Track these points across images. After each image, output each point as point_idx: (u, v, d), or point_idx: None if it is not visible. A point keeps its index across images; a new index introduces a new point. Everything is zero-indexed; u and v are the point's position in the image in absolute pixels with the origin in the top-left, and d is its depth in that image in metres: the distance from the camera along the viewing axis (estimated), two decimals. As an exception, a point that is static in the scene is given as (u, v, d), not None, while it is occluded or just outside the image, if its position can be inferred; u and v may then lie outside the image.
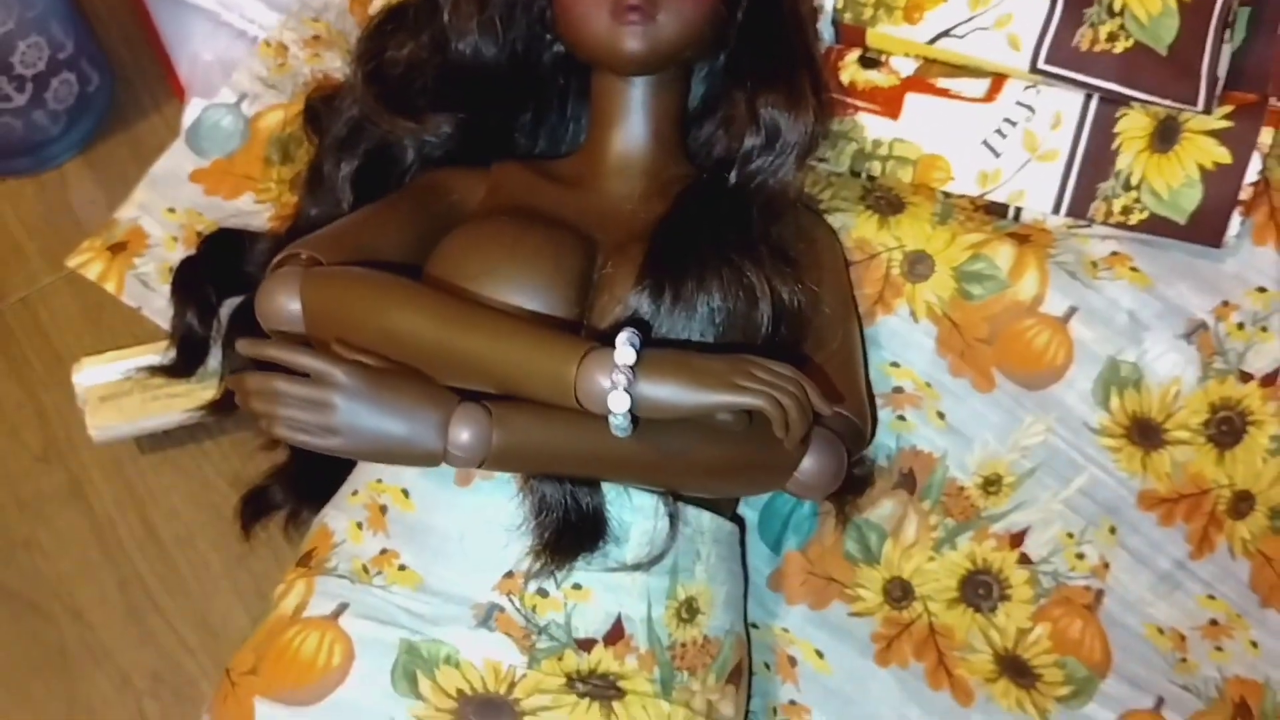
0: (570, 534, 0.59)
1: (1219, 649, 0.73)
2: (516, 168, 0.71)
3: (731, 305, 0.61)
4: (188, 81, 0.92)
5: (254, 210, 0.84)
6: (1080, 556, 0.72)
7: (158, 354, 0.77)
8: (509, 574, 0.60)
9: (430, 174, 0.71)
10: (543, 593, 0.60)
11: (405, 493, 0.62)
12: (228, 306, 0.76)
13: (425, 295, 0.60)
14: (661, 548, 0.61)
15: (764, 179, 0.67)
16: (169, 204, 0.84)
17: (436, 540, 0.61)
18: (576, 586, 0.60)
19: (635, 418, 0.55)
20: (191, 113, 0.88)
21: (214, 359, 0.76)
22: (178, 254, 0.81)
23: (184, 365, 0.76)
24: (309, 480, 0.70)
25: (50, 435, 0.82)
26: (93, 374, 0.77)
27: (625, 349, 0.54)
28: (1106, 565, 0.73)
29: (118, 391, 0.77)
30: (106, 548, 0.80)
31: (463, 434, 0.56)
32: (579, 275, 0.63)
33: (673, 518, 0.62)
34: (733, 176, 0.68)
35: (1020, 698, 0.70)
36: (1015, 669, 0.71)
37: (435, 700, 0.59)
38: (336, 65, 0.86)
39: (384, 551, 0.61)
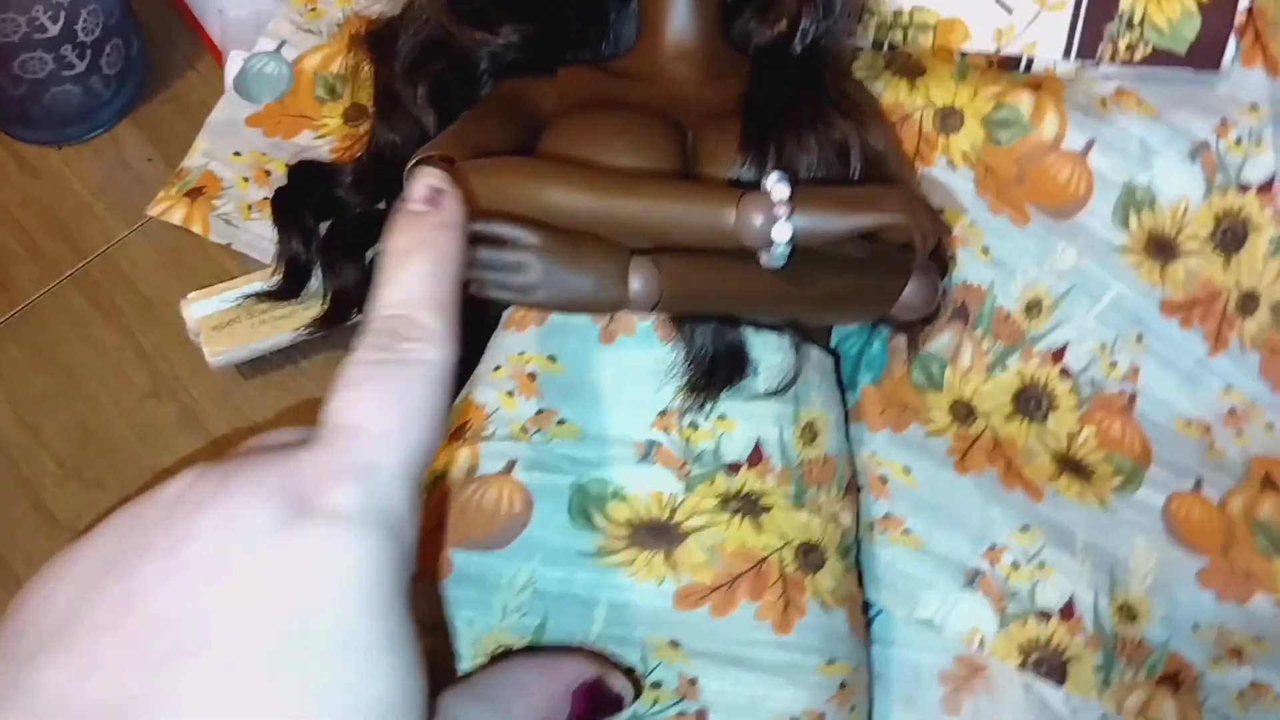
0: (721, 370, 0.67)
1: (1240, 433, 0.83)
2: (582, 70, 0.77)
3: (827, 160, 0.68)
4: (221, 38, 0.96)
5: (315, 145, 0.89)
6: (1113, 365, 0.82)
7: (261, 280, 0.82)
8: (663, 412, 0.68)
9: (503, 85, 0.77)
10: (694, 425, 0.68)
11: (552, 358, 0.68)
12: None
13: (576, 167, 0.67)
14: (790, 376, 0.69)
15: (826, 44, 0.75)
16: (233, 149, 0.89)
17: (590, 394, 0.68)
18: (722, 417, 0.68)
19: (790, 253, 0.62)
20: (233, 65, 0.92)
21: (315, 280, 0.82)
22: (252, 191, 0.86)
23: (291, 287, 0.81)
24: None
25: (156, 372, 0.87)
26: (202, 306, 0.82)
27: (780, 185, 0.61)
28: (1136, 370, 0.82)
29: (228, 319, 0.82)
30: (228, 468, 0.85)
31: (637, 283, 0.64)
32: (680, 152, 0.70)
33: (798, 348, 0.69)
34: (796, 46, 0.74)
35: (1081, 490, 0.79)
36: (1072, 467, 0.80)
37: (610, 530, 0.66)
38: (365, 3, 0.91)
39: (540, 412, 0.68)
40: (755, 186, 0.62)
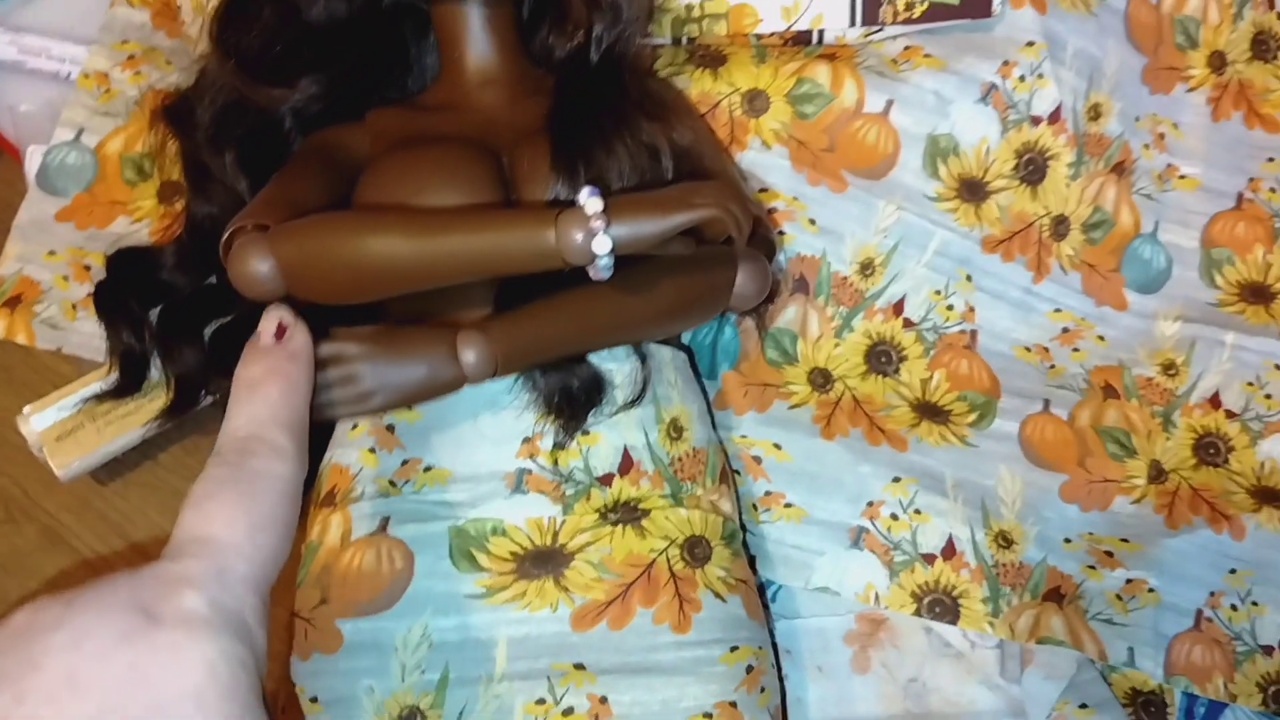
0: (579, 399, 0.68)
1: (1076, 350, 0.87)
2: (390, 111, 0.77)
3: (639, 163, 0.70)
4: (15, 136, 0.92)
5: (133, 231, 0.86)
6: (950, 308, 0.85)
7: (99, 380, 0.80)
8: (526, 439, 0.68)
9: (312, 138, 0.76)
10: (560, 446, 0.68)
11: (408, 406, 0.68)
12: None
13: (392, 213, 0.66)
14: (643, 383, 0.70)
15: (622, 47, 0.76)
16: (46, 248, 0.85)
17: (452, 435, 0.68)
18: (585, 433, 0.69)
19: (615, 262, 0.63)
20: (33, 161, 0.88)
21: (155, 369, 0.80)
22: (74, 290, 0.84)
23: (130, 382, 0.79)
24: None
25: (6, 496, 0.83)
26: (41, 419, 0.79)
27: (592, 200, 0.62)
28: (972, 309, 0.86)
29: (71, 427, 0.79)
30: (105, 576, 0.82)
31: (470, 355, 0.64)
32: (497, 178, 0.70)
33: (643, 357, 0.71)
34: (593, 56, 0.76)
35: (942, 432, 0.82)
36: (929, 412, 0.83)
37: (495, 567, 0.67)
38: (159, 77, 0.89)
39: (405, 462, 0.68)
40: (574, 203, 0.63)
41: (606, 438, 0.70)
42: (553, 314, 0.66)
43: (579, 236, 0.62)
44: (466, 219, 0.65)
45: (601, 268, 0.63)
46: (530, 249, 0.63)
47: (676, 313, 0.71)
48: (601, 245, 0.62)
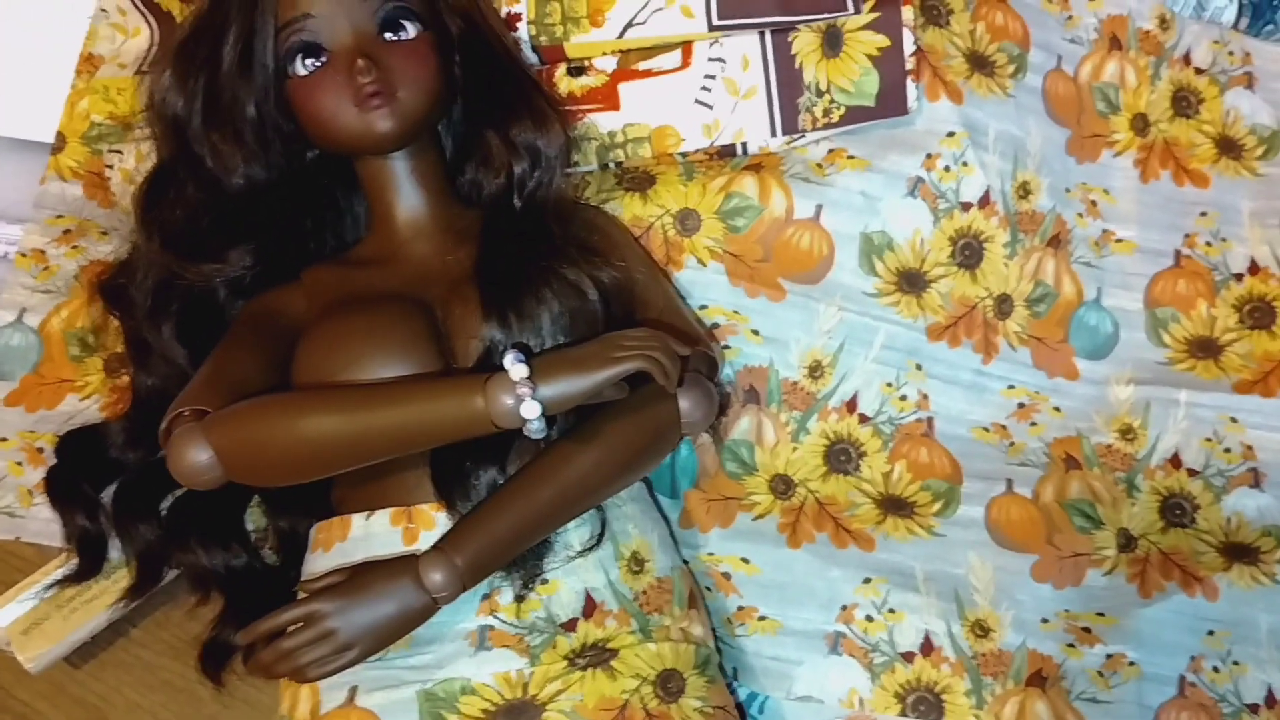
0: (532, 552, 0.68)
1: (1033, 424, 0.88)
2: (323, 269, 0.77)
3: (568, 306, 0.70)
4: (-43, 320, 0.92)
5: (81, 409, 0.86)
6: (903, 398, 0.86)
7: (59, 568, 0.79)
8: (485, 596, 0.68)
9: (249, 305, 0.76)
10: (520, 599, 0.68)
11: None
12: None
13: (322, 395, 0.67)
14: (599, 526, 0.70)
15: (543, 192, 0.77)
16: (-2, 436, 0.85)
17: None
18: (544, 582, 0.69)
19: (549, 420, 0.64)
20: (-24, 345, 0.89)
21: (114, 550, 0.79)
22: (29, 475, 0.83)
23: (90, 566, 0.78)
24: (254, 611, 0.74)
25: (-22, 691, 0.83)
26: (4, 614, 0.78)
27: (517, 366, 0.63)
28: (925, 396, 0.86)
29: (36, 619, 0.79)
30: (85, 764, 0.82)
31: (435, 577, 0.65)
32: (430, 333, 0.70)
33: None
34: (516, 201, 0.76)
35: (908, 526, 0.82)
36: (894, 506, 0.83)
37: None
38: (97, 248, 0.89)
39: (367, 629, 0.68)
40: (500, 367, 0.64)
41: (566, 583, 0.70)
42: (507, 509, 0.67)
43: (508, 402, 0.63)
44: (396, 394, 0.65)
45: (533, 430, 0.63)
46: (461, 418, 0.64)
47: (631, 461, 0.71)
48: (531, 410, 0.62)
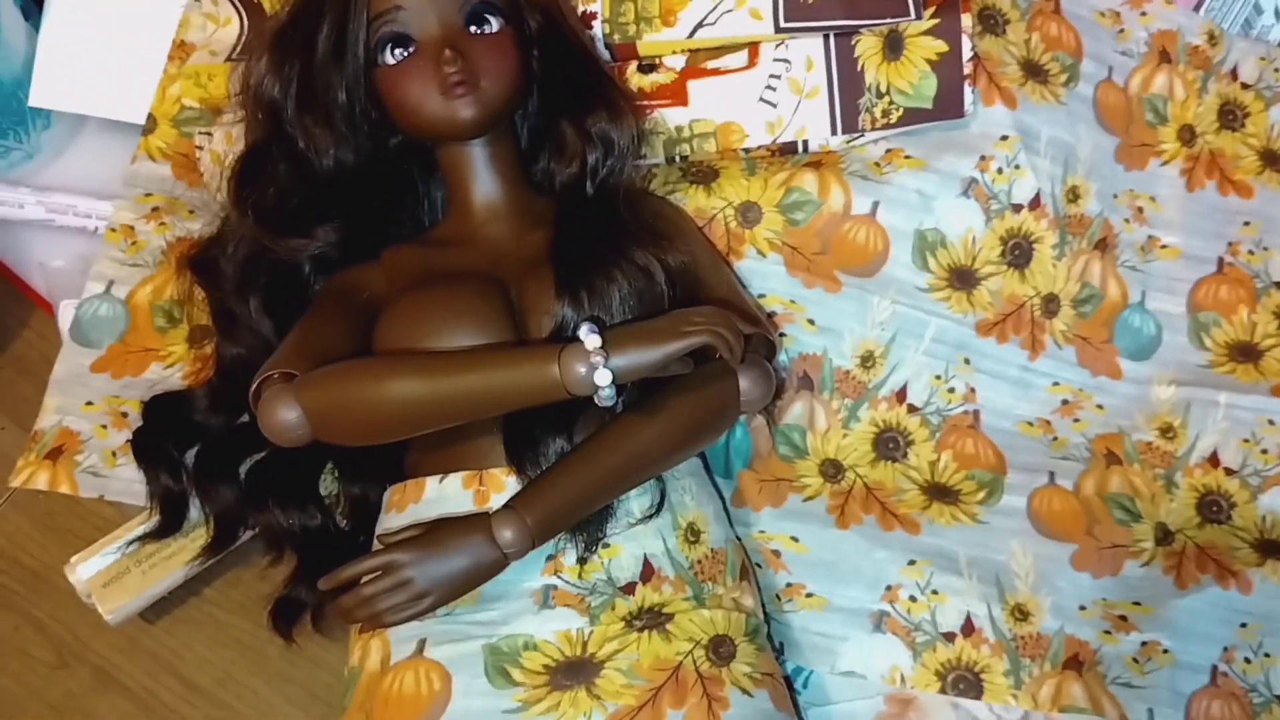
0: (596, 516, 0.72)
1: (1076, 420, 0.91)
2: (404, 249, 0.81)
3: (636, 286, 0.74)
4: (48, 291, 0.97)
5: (164, 377, 0.90)
6: (951, 390, 0.89)
7: (141, 525, 0.83)
8: (550, 557, 0.72)
9: (332, 281, 0.80)
10: (582, 560, 0.72)
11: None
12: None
13: (406, 359, 0.71)
14: (658, 496, 0.74)
15: (614, 179, 0.81)
16: (83, 399, 0.89)
17: None
18: (606, 545, 0.73)
19: (618, 389, 0.67)
20: (65, 316, 0.92)
21: (193, 509, 0.83)
22: (113, 438, 0.87)
23: (170, 524, 0.83)
24: (326, 572, 0.78)
25: (58, 641, 0.87)
26: (88, 567, 0.83)
27: (591, 336, 0.67)
28: (973, 390, 0.89)
29: (116, 572, 0.83)
30: (156, 714, 0.85)
31: (506, 534, 0.68)
32: (506, 308, 0.74)
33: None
34: (589, 188, 0.80)
35: (953, 513, 0.85)
36: (939, 493, 0.86)
37: (529, 681, 0.70)
38: (184, 225, 0.93)
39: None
40: (575, 338, 0.67)
41: (626, 549, 0.73)
42: (575, 474, 0.70)
43: (581, 370, 0.66)
44: (477, 360, 0.69)
45: (604, 397, 0.67)
46: (537, 385, 0.67)
47: (692, 435, 0.74)
48: (603, 378, 0.66)
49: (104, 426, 0.89)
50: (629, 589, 0.73)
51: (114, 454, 0.87)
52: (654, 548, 0.74)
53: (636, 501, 0.74)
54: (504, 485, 0.72)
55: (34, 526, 0.90)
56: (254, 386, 0.73)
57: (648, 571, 0.73)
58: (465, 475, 0.73)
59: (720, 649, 0.73)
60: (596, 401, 0.67)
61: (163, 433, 0.84)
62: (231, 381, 0.84)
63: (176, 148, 0.95)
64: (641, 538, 0.73)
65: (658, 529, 0.74)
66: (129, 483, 0.86)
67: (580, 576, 0.72)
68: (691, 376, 0.72)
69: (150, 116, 0.95)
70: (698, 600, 0.74)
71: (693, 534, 0.76)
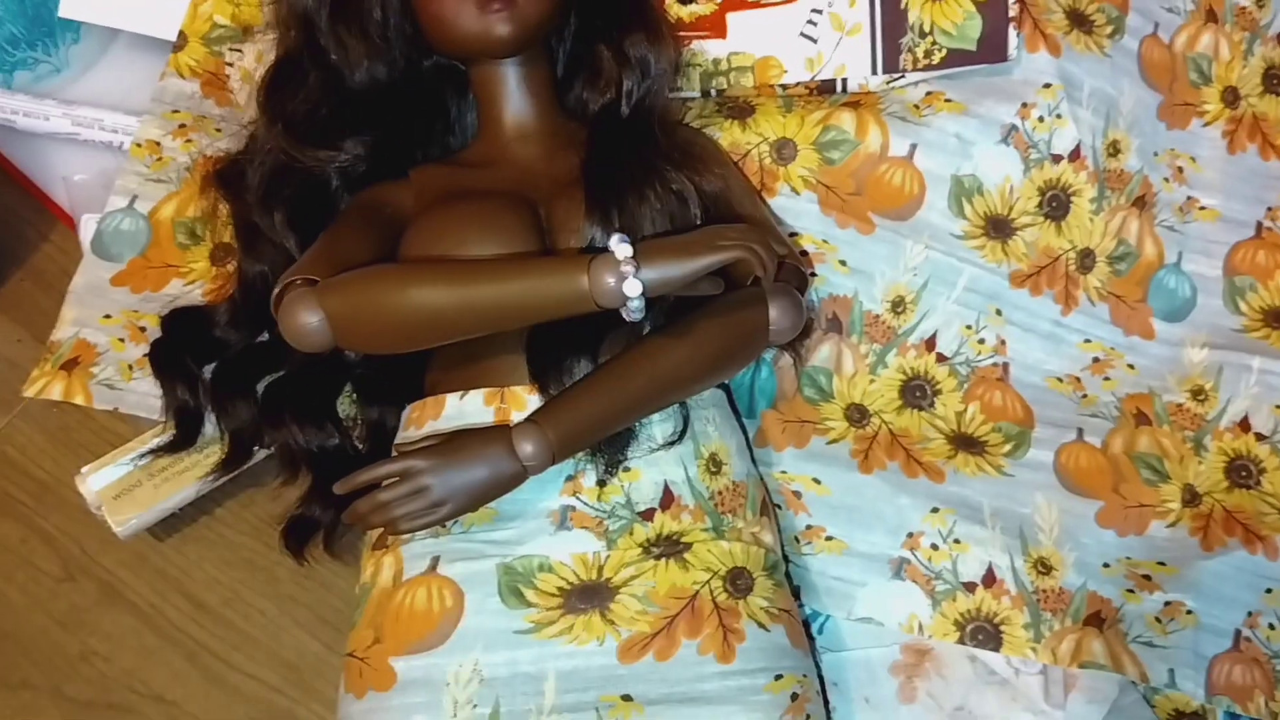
0: (619, 437, 0.71)
1: (1107, 379, 0.89)
2: (433, 168, 0.80)
3: (668, 209, 0.72)
4: (70, 204, 0.96)
5: (185, 293, 0.89)
6: (981, 341, 0.87)
7: (154, 438, 0.82)
8: (570, 477, 0.71)
9: (359, 196, 0.79)
10: (602, 483, 0.71)
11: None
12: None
13: (432, 266, 0.70)
14: (681, 423, 0.73)
15: (651, 103, 0.79)
16: (102, 312, 0.88)
17: None
18: (626, 469, 0.71)
19: (647, 305, 0.65)
20: (87, 228, 0.92)
21: (210, 425, 0.82)
22: (130, 351, 0.86)
23: (185, 438, 0.81)
24: None
25: (65, 554, 0.86)
26: (99, 478, 0.82)
27: (622, 245, 0.65)
28: (1003, 342, 0.88)
29: (128, 485, 0.82)
30: (162, 631, 0.84)
31: (526, 447, 0.67)
32: (534, 227, 0.73)
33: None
34: (624, 109, 0.79)
35: (978, 463, 0.84)
36: (965, 444, 0.85)
37: (543, 603, 0.69)
38: (208, 143, 0.92)
39: (452, 502, 0.70)
40: (605, 249, 0.66)
41: (647, 474, 0.72)
42: (599, 391, 0.69)
43: (610, 280, 0.65)
44: (503, 268, 0.68)
45: (633, 309, 0.66)
46: (565, 294, 0.66)
47: (718, 360, 0.73)
48: (632, 288, 0.65)
49: (121, 340, 0.87)
50: (648, 515, 0.71)
51: (130, 367, 0.86)
52: (675, 475, 0.72)
53: (659, 426, 0.72)
54: (525, 403, 0.71)
55: (46, 439, 0.89)
56: (276, 291, 0.72)
57: (668, 499, 0.72)
58: (486, 392, 0.72)
59: (738, 581, 0.72)
60: (624, 315, 0.66)
61: (181, 346, 0.83)
62: (253, 298, 0.82)
63: (206, 65, 0.94)
64: (663, 464, 0.72)
65: (679, 456, 0.73)
66: (144, 396, 0.85)
67: (599, 499, 0.71)
68: (721, 300, 0.71)
69: (181, 33, 0.94)
70: (717, 531, 0.73)
71: (714, 464, 0.74)
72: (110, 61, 0.98)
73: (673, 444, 0.72)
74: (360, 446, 0.83)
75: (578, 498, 0.71)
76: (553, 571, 0.70)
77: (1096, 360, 0.89)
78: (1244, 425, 0.87)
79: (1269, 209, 0.93)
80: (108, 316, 0.88)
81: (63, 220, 0.97)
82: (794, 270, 0.76)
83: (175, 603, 0.85)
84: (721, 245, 0.66)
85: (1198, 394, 0.88)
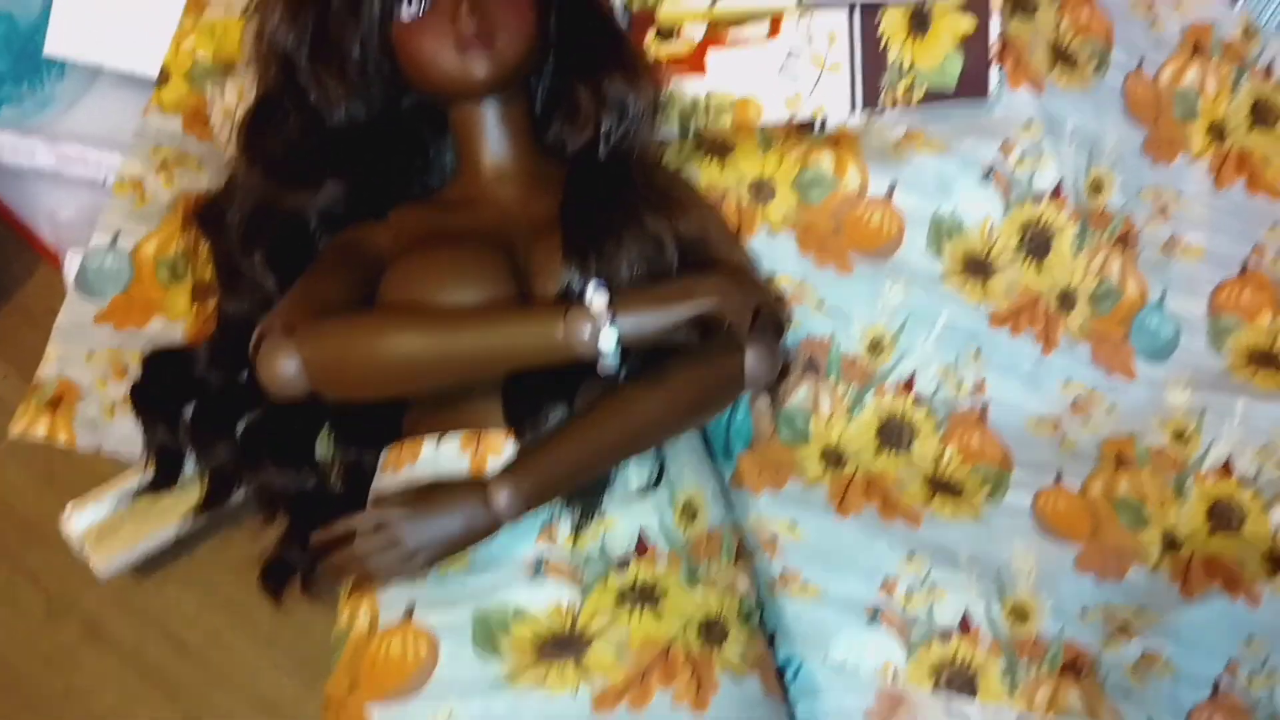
0: (594, 486, 0.71)
1: (1087, 422, 0.88)
2: (411, 208, 0.80)
3: (645, 255, 0.72)
4: (54, 242, 0.96)
5: (168, 330, 0.89)
6: (960, 383, 0.87)
7: (136, 478, 0.83)
8: (545, 525, 0.71)
9: (338, 237, 0.79)
10: (577, 530, 0.71)
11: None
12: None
13: (409, 313, 0.70)
14: (657, 470, 0.73)
15: (629, 145, 0.79)
16: (86, 350, 0.89)
17: None
18: (602, 517, 0.71)
19: (623, 355, 0.66)
20: (72, 265, 0.92)
21: (189, 465, 0.83)
22: (112, 390, 0.87)
23: (165, 477, 0.82)
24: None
25: (50, 593, 0.87)
26: (82, 518, 0.82)
27: (599, 294, 0.65)
28: (982, 383, 0.87)
29: (111, 525, 0.83)
30: (143, 671, 0.85)
31: (500, 499, 0.68)
32: (511, 272, 0.73)
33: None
34: (602, 153, 0.79)
35: (955, 507, 0.84)
36: (942, 487, 0.85)
37: (517, 651, 0.69)
38: (191, 180, 0.92)
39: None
40: (581, 298, 0.66)
41: (622, 522, 0.72)
42: (573, 440, 0.69)
43: (586, 333, 0.65)
44: (480, 317, 0.68)
45: (608, 359, 0.66)
46: (540, 344, 0.66)
47: (693, 408, 0.73)
48: (608, 340, 0.65)
49: (104, 379, 0.88)
50: (623, 564, 0.71)
51: (112, 407, 0.87)
52: (650, 522, 0.72)
53: (635, 471, 0.73)
54: (501, 448, 0.71)
55: (30, 476, 0.90)
56: (254, 337, 0.72)
57: (642, 547, 0.72)
58: (463, 436, 0.72)
59: (712, 630, 0.72)
60: (600, 368, 0.66)
61: (162, 386, 0.84)
62: (232, 338, 0.83)
63: (188, 101, 0.94)
64: (638, 511, 0.72)
65: (655, 504, 0.73)
66: (126, 436, 0.86)
67: (574, 546, 0.71)
68: (696, 349, 0.71)
69: (163, 69, 0.94)
70: (691, 579, 0.73)
71: (690, 511, 0.74)
72: (95, 97, 0.99)
73: (648, 490, 0.72)
74: (338, 488, 0.83)
75: (552, 545, 0.71)
76: (526, 620, 0.70)
77: (1076, 402, 0.88)
78: (1226, 469, 0.87)
79: (1255, 246, 0.92)
80: (91, 354, 0.89)
81: (46, 258, 0.97)
82: (770, 316, 0.76)
83: (156, 642, 0.86)
84: (697, 296, 0.66)
85: (1180, 436, 0.88)
